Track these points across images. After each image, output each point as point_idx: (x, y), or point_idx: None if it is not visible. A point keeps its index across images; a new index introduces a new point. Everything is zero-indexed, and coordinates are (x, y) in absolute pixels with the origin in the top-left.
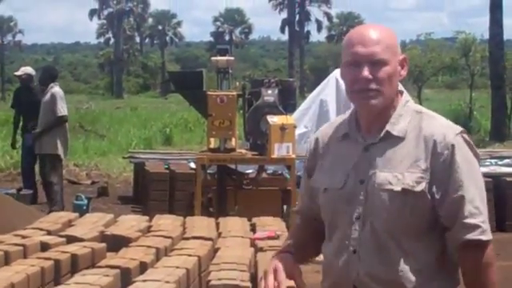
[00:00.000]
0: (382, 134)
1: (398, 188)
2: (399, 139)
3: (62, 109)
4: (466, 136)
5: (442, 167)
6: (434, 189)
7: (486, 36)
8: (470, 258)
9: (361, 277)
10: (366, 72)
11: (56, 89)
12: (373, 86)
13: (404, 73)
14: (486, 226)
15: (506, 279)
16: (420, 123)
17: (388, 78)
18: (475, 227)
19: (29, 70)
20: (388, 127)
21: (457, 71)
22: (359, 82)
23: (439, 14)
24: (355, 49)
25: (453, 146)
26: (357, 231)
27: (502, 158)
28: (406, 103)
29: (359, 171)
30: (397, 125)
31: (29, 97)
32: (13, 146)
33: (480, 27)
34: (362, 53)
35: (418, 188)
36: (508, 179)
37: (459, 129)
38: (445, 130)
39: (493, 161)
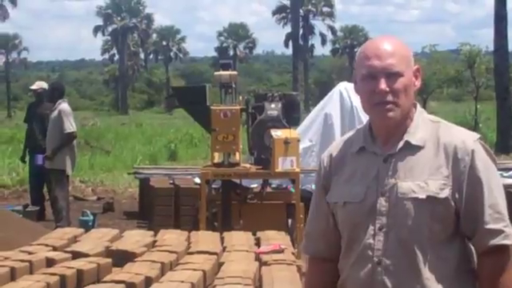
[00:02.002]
0: (401, 145)
1: (422, 196)
2: (418, 148)
3: (71, 125)
4: (483, 142)
5: (462, 173)
6: (457, 195)
7: (491, 48)
8: (491, 263)
9: (386, 287)
10: (383, 85)
11: (64, 105)
12: (390, 98)
13: (418, 83)
14: (509, 230)
15: None
16: (437, 132)
17: (404, 89)
18: (499, 232)
19: (44, 84)
20: (407, 137)
21: (462, 83)
22: (377, 95)
23: (444, 26)
24: (371, 62)
25: (473, 151)
26: (381, 242)
27: (507, 169)
28: (421, 114)
29: (380, 183)
30: (415, 134)
31: (42, 111)
32: (22, 159)
33: (485, 39)
34: (378, 65)
35: (442, 195)
36: None
37: (477, 135)
38: (463, 136)
39: (498, 172)
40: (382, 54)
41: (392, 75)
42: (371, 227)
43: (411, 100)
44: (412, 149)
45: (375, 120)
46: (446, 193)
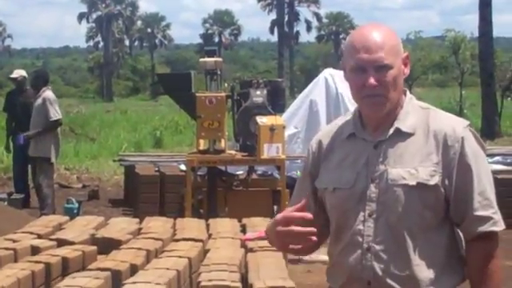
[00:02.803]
0: (391, 131)
1: (412, 182)
2: (408, 135)
3: (57, 112)
4: (472, 129)
5: (452, 160)
6: (447, 182)
7: (476, 34)
8: (480, 249)
9: (376, 273)
10: (371, 80)
11: (48, 93)
12: (379, 91)
13: (407, 71)
14: (498, 216)
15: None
16: (427, 118)
17: (394, 81)
18: (487, 219)
19: (23, 72)
20: (397, 124)
21: (447, 69)
22: (366, 89)
23: (428, 12)
24: (360, 55)
25: (463, 138)
26: (370, 228)
27: (492, 155)
28: (411, 100)
29: (370, 169)
30: (405, 121)
31: (23, 99)
32: (7, 149)
33: (469, 25)
34: (367, 59)
35: (432, 181)
36: (499, 177)
37: (466, 122)
38: (453, 123)
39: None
40: (371, 47)
41: (381, 68)
42: (361, 213)
43: (400, 89)
44: (402, 135)
45: (365, 111)
46: (435, 179)
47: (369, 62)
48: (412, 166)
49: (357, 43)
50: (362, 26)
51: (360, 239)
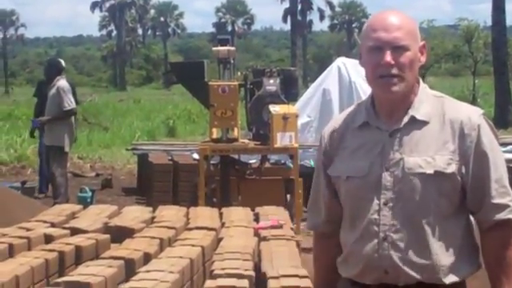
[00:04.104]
0: (406, 120)
1: (430, 171)
2: (424, 123)
3: (70, 102)
4: (486, 117)
5: (469, 148)
6: (463, 170)
7: (489, 22)
8: (497, 237)
9: (394, 262)
10: (388, 57)
11: (62, 82)
12: (395, 71)
13: (423, 59)
14: None
15: None
16: (442, 107)
17: (410, 63)
18: (505, 207)
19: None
20: (412, 112)
21: (460, 58)
22: (381, 68)
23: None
24: (377, 34)
25: (479, 126)
26: (386, 217)
27: (505, 144)
28: (425, 89)
29: (385, 157)
30: (420, 109)
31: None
32: (31, 134)
33: (482, 14)
34: (385, 38)
35: (449, 170)
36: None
37: (481, 110)
38: (469, 111)
39: None
40: (389, 27)
41: (398, 49)
42: (376, 202)
43: (415, 75)
44: (417, 124)
45: (378, 93)
46: (452, 168)
47: (386, 40)
48: (428, 154)
49: (375, 24)
50: (381, 11)
51: (376, 228)
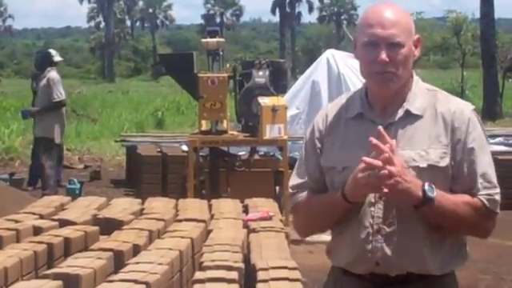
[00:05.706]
0: (401, 113)
1: (423, 164)
2: (418, 117)
3: (60, 93)
4: (476, 113)
5: (459, 141)
6: (453, 163)
7: (477, 15)
8: (477, 206)
9: (385, 254)
10: (383, 55)
11: (52, 73)
12: (390, 68)
13: (417, 53)
14: (498, 197)
15: (498, 257)
16: (435, 101)
17: (404, 60)
18: (490, 199)
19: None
20: (407, 106)
21: (448, 51)
22: (377, 65)
23: None
24: (373, 30)
25: (469, 120)
26: (380, 210)
27: (494, 136)
28: (418, 82)
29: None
30: (414, 103)
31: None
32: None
33: (471, 6)
34: (380, 34)
35: (443, 163)
36: (500, 157)
37: (471, 105)
38: (461, 106)
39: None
40: (384, 23)
41: (393, 45)
42: (371, 195)
43: (409, 70)
44: (411, 118)
45: (373, 88)
46: (446, 161)
47: (382, 37)
48: (422, 148)
49: (371, 19)
50: (376, 4)
51: (370, 220)
